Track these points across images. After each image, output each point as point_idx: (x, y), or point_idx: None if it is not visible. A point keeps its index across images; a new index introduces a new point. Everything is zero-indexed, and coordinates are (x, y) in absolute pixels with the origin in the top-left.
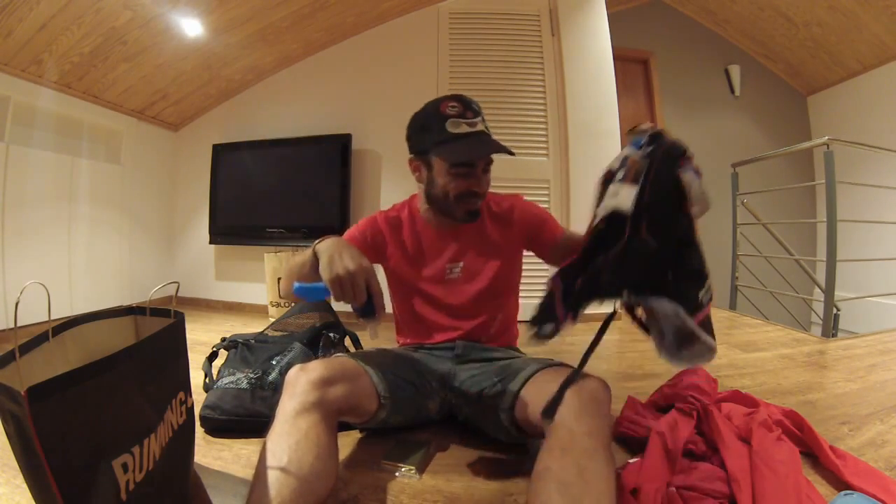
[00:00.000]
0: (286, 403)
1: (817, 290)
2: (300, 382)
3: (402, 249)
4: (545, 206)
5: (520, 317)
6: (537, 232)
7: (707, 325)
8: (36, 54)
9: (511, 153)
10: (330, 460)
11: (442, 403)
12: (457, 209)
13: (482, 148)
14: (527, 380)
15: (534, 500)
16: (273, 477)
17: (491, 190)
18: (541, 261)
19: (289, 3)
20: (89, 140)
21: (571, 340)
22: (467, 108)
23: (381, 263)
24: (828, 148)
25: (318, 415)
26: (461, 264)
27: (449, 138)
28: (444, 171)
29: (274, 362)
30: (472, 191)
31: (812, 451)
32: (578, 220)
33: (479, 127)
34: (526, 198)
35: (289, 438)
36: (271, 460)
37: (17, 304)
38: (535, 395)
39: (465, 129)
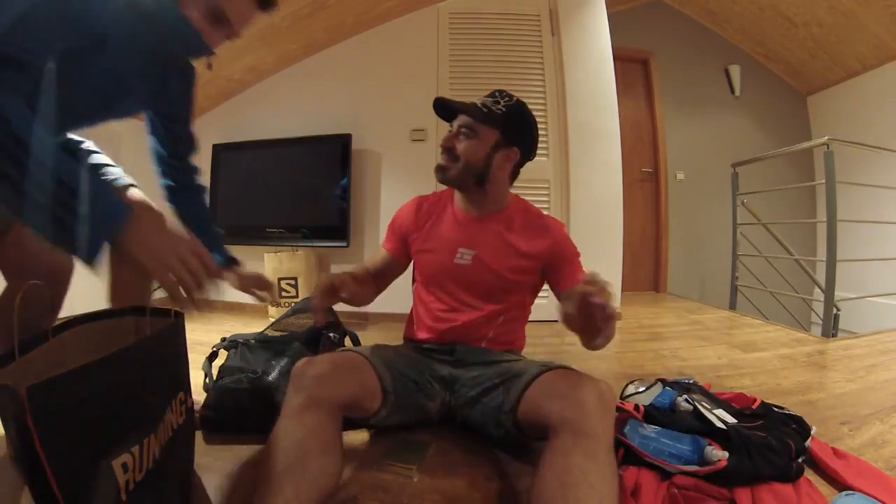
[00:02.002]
0: (292, 398)
1: (817, 290)
2: (307, 376)
3: (423, 226)
4: (545, 206)
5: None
6: (559, 265)
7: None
8: None
9: (463, 111)
10: (334, 457)
11: (442, 405)
12: None
13: (448, 101)
14: (530, 382)
15: (537, 502)
16: (278, 473)
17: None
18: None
19: (289, 3)
20: (89, 140)
21: (572, 341)
22: (493, 94)
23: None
24: (828, 148)
25: (324, 410)
26: (473, 253)
27: None
28: None
29: (274, 362)
30: (442, 143)
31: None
32: (579, 220)
33: (475, 101)
34: (526, 198)
35: (294, 434)
36: (277, 456)
37: (17, 304)
38: (539, 397)
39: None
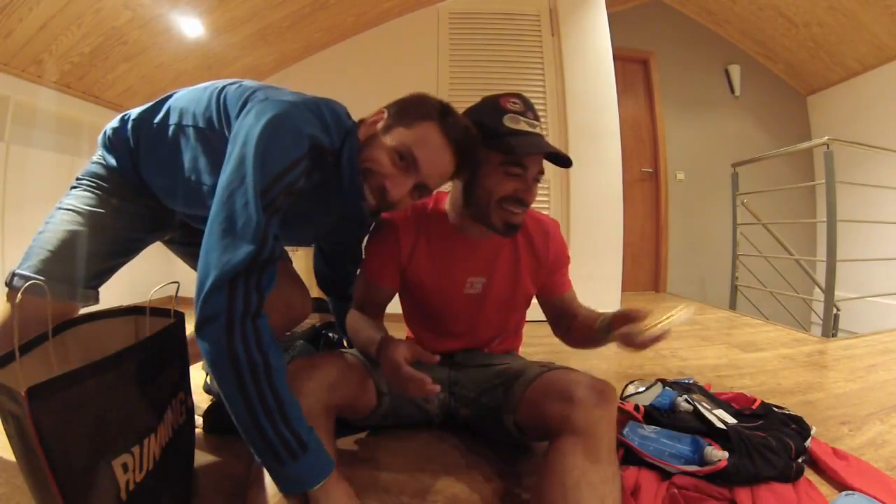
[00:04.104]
0: None
1: (817, 290)
2: (300, 377)
3: (423, 251)
4: (545, 206)
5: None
6: (552, 272)
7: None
8: (36, 54)
9: (569, 164)
10: None
11: (442, 405)
12: (497, 216)
13: (548, 146)
14: (531, 382)
15: (538, 502)
16: (267, 477)
17: None
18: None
19: (289, 3)
20: (89, 140)
21: None
22: (528, 108)
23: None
24: (828, 148)
25: (317, 411)
26: (483, 280)
27: (508, 132)
28: (494, 168)
29: None
30: (519, 198)
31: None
32: (579, 220)
33: (538, 130)
34: None
35: None
36: None
37: (17, 304)
38: (540, 398)
39: (524, 126)
